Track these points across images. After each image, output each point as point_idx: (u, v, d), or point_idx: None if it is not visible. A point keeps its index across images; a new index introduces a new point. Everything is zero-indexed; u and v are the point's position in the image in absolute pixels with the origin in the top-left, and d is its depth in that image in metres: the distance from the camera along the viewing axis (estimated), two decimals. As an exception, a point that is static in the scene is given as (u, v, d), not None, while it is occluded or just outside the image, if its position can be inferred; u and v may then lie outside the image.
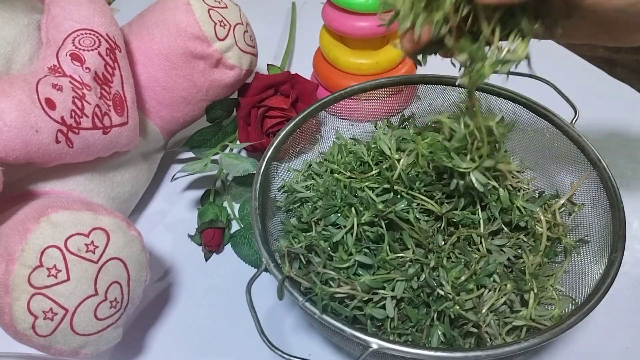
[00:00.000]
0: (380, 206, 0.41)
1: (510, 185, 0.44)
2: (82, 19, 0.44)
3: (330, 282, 0.39)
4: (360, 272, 0.39)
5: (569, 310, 0.39)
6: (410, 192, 0.42)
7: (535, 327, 0.38)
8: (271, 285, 0.49)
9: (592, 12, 0.32)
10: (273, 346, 0.35)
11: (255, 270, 0.50)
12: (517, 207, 0.42)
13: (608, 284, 0.36)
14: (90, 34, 0.44)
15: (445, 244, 0.41)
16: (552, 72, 0.56)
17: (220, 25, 0.51)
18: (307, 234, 0.43)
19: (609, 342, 0.45)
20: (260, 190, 0.43)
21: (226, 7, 0.53)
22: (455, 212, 0.41)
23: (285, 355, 0.34)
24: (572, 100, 0.49)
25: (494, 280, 0.39)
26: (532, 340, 0.33)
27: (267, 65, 0.63)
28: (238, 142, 0.57)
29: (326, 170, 0.48)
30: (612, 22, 0.33)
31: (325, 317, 0.35)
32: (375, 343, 0.33)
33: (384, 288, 0.38)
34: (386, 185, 0.43)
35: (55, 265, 0.35)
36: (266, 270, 0.38)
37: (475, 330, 0.38)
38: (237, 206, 0.55)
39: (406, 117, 0.53)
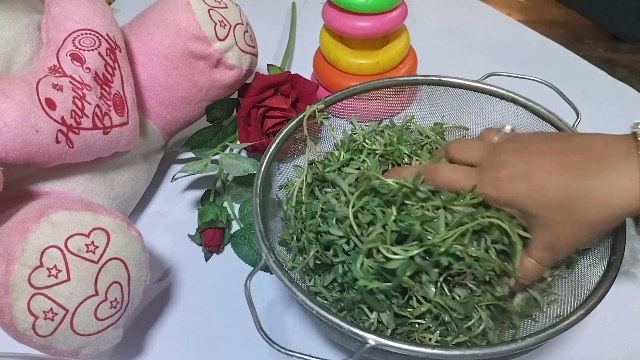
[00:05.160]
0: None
1: None
2: (82, 19, 0.44)
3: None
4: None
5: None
6: None
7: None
8: (271, 283, 0.49)
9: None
10: (271, 341, 0.35)
11: (261, 270, 0.50)
12: None
13: (607, 286, 0.36)
14: (90, 34, 0.44)
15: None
16: (552, 72, 0.56)
17: (221, 26, 0.51)
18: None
19: (609, 341, 0.45)
20: (262, 186, 0.43)
21: (226, 7, 0.53)
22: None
23: (283, 350, 0.34)
24: (572, 100, 0.49)
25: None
26: (529, 340, 0.33)
27: (267, 65, 0.63)
28: (238, 142, 0.57)
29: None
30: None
31: (322, 312, 0.35)
32: (372, 339, 0.33)
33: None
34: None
35: (55, 266, 0.35)
36: (265, 268, 0.38)
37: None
38: (237, 206, 0.55)
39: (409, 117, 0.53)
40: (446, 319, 0.38)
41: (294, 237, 0.44)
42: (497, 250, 0.38)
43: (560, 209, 0.34)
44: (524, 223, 0.37)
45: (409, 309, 0.39)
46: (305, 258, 0.43)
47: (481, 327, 0.38)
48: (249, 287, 0.38)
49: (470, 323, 0.38)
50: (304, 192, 0.48)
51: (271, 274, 0.49)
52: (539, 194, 0.34)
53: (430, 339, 0.38)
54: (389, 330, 0.38)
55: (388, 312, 0.38)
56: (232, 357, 0.45)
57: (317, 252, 0.42)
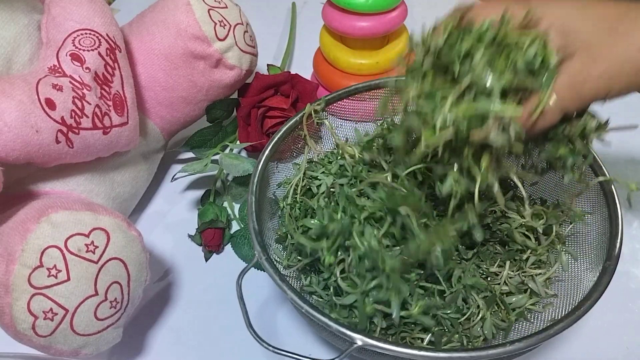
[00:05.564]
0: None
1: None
2: (83, 19, 0.44)
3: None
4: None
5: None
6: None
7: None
8: (266, 281, 0.49)
9: None
10: (260, 338, 0.35)
11: (256, 269, 0.50)
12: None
13: (600, 292, 0.36)
14: (90, 34, 0.44)
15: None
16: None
17: (221, 26, 0.51)
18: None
19: (609, 341, 0.45)
20: (258, 184, 0.43)
21: (226, 7, 0.53)
22: None
23: (270, 348, 0.35)
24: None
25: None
26: (517, 345, 0.33)
27: (267, 65, 0.63)
28: (238, 142, 0.57)
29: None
30: None
31: (311, 311, 0.35)
32: (360, 339, 0.33)
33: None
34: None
35: (55, 266, 0.35)
36: (259, 267, 0.38)
37: None
38: (237, 206, 0.55)
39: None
40: (439, 312, 0.38)
41: (289, 235, 0.44)
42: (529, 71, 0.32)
43: (606, 20, 0.32)
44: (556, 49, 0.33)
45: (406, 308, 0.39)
46: (299, 256, 0.43)
47: (479, 316, 0.38)
48: (241, 284, 0.38)
49: (469, 313, 0.38)
50: (299, 191, 0.48)
51: (264, 272, 0.49)
52: (589, 7, 0.33)
53: (422, 340, 0.39)
54: (378, 329, 0.38)
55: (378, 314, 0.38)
56: (232, 357, 0.45)
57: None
